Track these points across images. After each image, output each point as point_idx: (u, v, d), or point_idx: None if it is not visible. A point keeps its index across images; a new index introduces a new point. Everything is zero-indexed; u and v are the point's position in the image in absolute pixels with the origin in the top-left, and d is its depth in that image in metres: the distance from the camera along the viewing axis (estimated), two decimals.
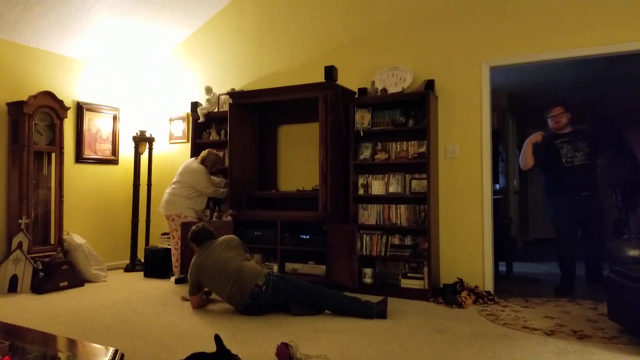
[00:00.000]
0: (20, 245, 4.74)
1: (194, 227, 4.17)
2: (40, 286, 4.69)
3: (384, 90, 4.67)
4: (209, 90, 5.68)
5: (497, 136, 4.88)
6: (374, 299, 3.86)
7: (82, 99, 5.80)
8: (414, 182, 4.50)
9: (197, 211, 5.25)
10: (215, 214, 5.46)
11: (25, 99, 4.95)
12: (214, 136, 5.74)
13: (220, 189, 5.32)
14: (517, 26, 4.36)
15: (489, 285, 4.40)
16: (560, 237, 4.74)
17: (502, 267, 5.41)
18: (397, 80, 4.69)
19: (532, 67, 4.61)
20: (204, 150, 5.36)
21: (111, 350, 1.92)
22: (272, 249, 4.83)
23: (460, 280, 4.32)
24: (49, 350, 2.13)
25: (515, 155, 7.50)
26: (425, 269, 4.35)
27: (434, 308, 4.03)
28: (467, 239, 4.50)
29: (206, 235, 4.09)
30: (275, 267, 4.74)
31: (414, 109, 4.53)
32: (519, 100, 7.91)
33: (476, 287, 4.30)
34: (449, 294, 4.16)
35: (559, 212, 4.72)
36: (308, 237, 4.71)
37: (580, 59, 4.30)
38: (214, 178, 5.39)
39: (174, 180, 5.28)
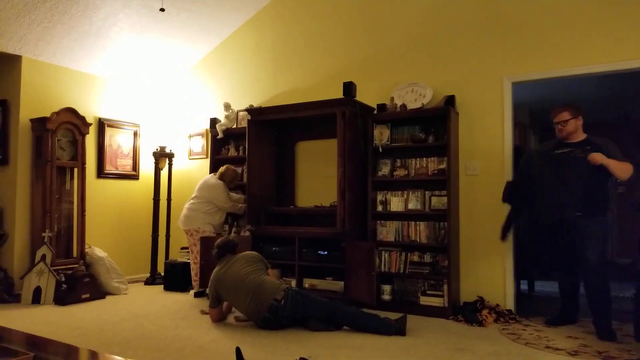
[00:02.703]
0: (43, 257, 4.81)
1: (220, 239, 4.22)
2: (62, 298, 4.75)
3: (403, 106, 4.68)
4: (227, 106, 5.75)
5: (519, 153, 4.81)
6: (393, 315, 3.82)
7: (104, 115, 5.91)
8: (433, 199, 4.47)
9: (215, 226, 5.28)
10: (233, 229, 5.48)
11: (48, 115, 5.08)
12: (232, 152, 5.79)
13: (238, 204, 5.35)
14: (540, 41, 4.34)
15: (510, 303, 4.33)
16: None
17: (524, 286, 5.32)
18: (416, 96, 4.69)
19: (555, 82, 4.54)
20: (222, 166, 5.42)
21: None
22: (290, 265, 4.82)
23: (481, 299, 4.26)
24: None
25: None
26: (445, 287, 4.30)
27: (454, 326, 3.97)
28: (488, 257, 4.44)
29: (228, 249, 4.13)
30: (294, 283, 4.72)
31: (434, 125, 4.52)
32: (542, 116, 7.81)
33: (497, 305, 4.24)
34: (470, 312, 4.10)
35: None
36: (326, 253, 4.69)
37: (604, 74, 4.25)
38: (233, 194, 5.43)
39: (193, 195, 5.33)
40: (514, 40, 4.45)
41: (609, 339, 3.53)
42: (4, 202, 5.16)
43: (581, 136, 3.89)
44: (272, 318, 3.73)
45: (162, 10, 4.75)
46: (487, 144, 4.50)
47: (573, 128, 3.87)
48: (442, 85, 4.68)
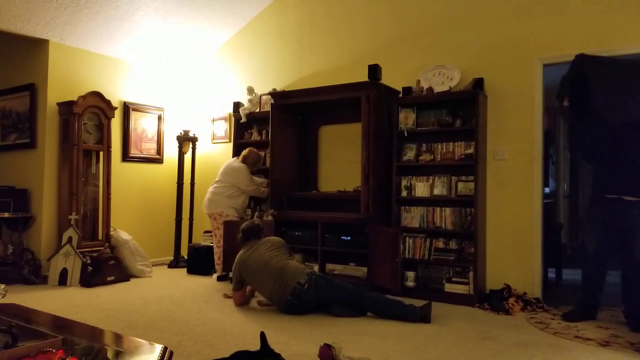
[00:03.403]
0: (70, 240, 4.88)
1: (246, 223, 4.23)
2: (88, 280, 4.83)
3: (430, 89, 4.57)
4: (250, 90, 5.71)
5: (548, 138, 4.65)
6: (417, 302, 3.77)
7: (129, 99, 5.94)
8: (460, 185, 4.38)
9: (238, 210, 5.28)
10: (256, 213, 5.48)
11: (74, 99, 5.12)
12: (255, 136, 5.77)
13: (262, 188, 5.34)
14: (574, 20, 4.17)
15: (537, 292, 4.24)
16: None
17: (551, 274, 5.21)
18: (443, 79, 4.58)
19: None
20: (245, 149, 5.40)
21: (160, 347, 1.92)
22: (313, 250, 4.80)
23: (508, 287, 4.18)
24: (98, 344, 2.16)
25: (565, 158, 7.22)
26: (471, 274, 4.23)
27: (479, 314, 3.91)
28: (515, 244, 4.35)
29: (253, 233, 4.15)
30: (316, 268, 4.70)
31: (462, 109, 4.41)
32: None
33: (524, 293, 4.15)
34: (496, 300, 4.03)
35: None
36: (349, 238, 4.65)
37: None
38: (256, 178, 5.41)
39: (216, 179, 5.33)
40: (546, 20, 4.28)
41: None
42: (31, 184, 5.25)
43: None
44: (295, 302, 3.72)
45: None
46: (517, 129, 4.37)
47: None
48: (470, 68, 4.55)
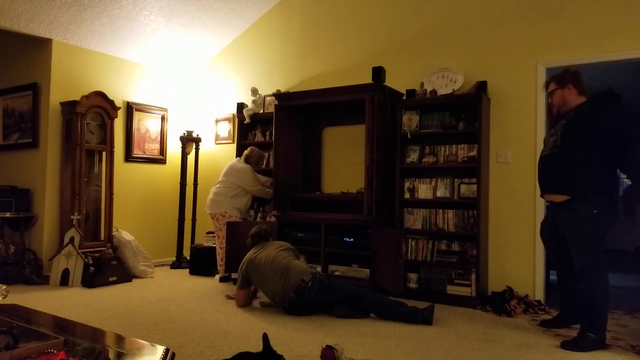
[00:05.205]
0: (72, 240, 4.89)
1: (254, 228, 4.34)
2: (90, 280, 4.83)
3: (434, 91, 4.57)
4: (254, 91, 5.71)
5: None
6: (419, 304, 3.78)
7: (132, 99, 5.94)
8: (463, 187, 4.37)
9: (241, 211, 5.27)
10: (259, 214, 5.48)
11: (78, 98, 5.12)
12: (259, 137, 5.77)
13: (266, 188, 5.34)
14: (577, 25, 4.18)
15: (539, 294, 4.23)
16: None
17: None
18: (447, 82, 4.58)
19: (590, 68, 4.35)
20: (247, 149, 5.40)
21: (162, 348, 1.92)
22: (316, 251, 4.79)
23: (510, 289, 4.17)
24: (100, 345, 2.16)
25: None
26: (473, 276, 4.22)
27: (481, 316, 3.90)
28: (517, 247, 4.34)
29: (262, 237, 4.27)
30: (319, 269, 4.70)
31: (465, 112, 4.41)
32: None
33: (526, 296, 4.15)
34: (498, 303, 4.03)
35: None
36: (352, 240, 4.65)
37: None
38: (261, 177, 5.42)
39: (219, 180, 5.33)
40: (550, 25, 4.29)
41: None
42: (34, 184, 5.25)
43: (574, 106, 3.35)
44: (298, 300, 3.73)
45: None
46: (520, 132, 4.37)
47: (560, 100, 3.40)
48: (474, 71, 4.55)
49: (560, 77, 3.42)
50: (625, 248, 8.02)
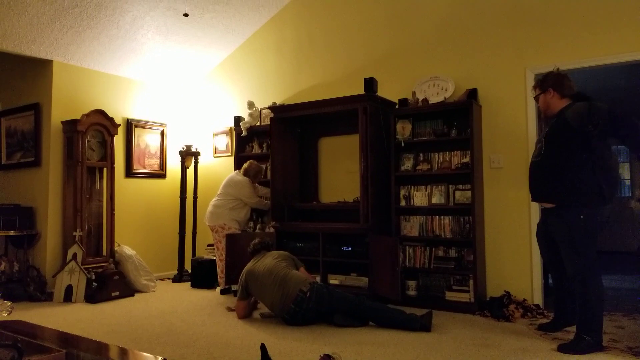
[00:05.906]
0: (75, 256, 4.95)
1: (255, 239, 4.39)
2: (93, 296, 4.88)
3: (425, 100, 4.64)
4: (251, 104, 5.80)
5: None
6: (418, 311, 3.80)
7: (132, 116, 6.03)
8: (457, 193, 4.43)
9: (240, 222, 5.34)
10: (258, 225, 5.54)
11: (78, 117, 5.21)
12: (256, 149, 5.84)
13: (264, 200, 5.40)
14: (563, 31, 4.26)
15: (537, 298, 4.27)
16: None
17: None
18: (438, 90, 4.65)
19: (579, 73, 4.42)
20: (246, 162, 5.47)
21: None
22: (314, 261, 4.83)
23: (508, 293, 4.20)
24: (103, 358, 2.21)
25: None
26: (471, 282, 4.26)
27: (480, 321, 3.94)
28: (514, 251, 4.38)
29: (263, 247, 4.33)
30: (318, 279, 4.74)
31: (457, 119, 4.48)
32: None
33: (524, 300, 4.18)
34: (496, 308, 4.05)
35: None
36: (350, 248, 4.70)
37: (630, 63, 4.13)
38: (261, 188, 5.48)
39: (218, 192, 5.40)
40: (536, 31, 4.37)
41: None
42: (36, 202, 5.33)
43: (557, 110, 3.37)
44: (297, 310, 3.77)
45: (186, 15, 4.80)
46: (511, 137, 4.43)
47: (543, 104, 3.43)
48: (464, 78, 4.63)
49: (541, 82, 3.44)
50: (628, 249, 8.04)
